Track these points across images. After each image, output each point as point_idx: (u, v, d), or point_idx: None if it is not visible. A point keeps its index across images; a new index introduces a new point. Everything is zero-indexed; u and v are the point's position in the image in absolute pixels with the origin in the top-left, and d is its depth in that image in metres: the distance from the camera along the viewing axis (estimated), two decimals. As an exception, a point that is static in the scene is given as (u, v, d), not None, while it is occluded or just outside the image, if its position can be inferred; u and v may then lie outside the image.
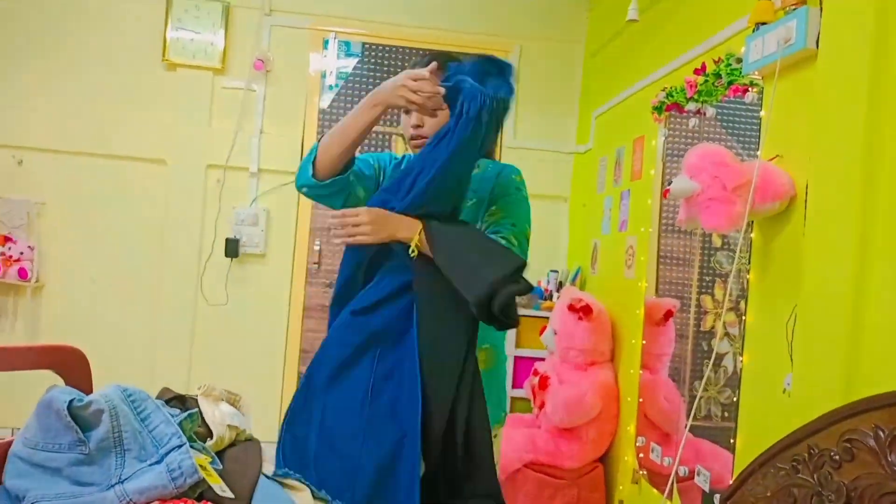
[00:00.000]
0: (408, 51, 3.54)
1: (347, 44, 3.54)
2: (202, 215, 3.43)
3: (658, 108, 2.55)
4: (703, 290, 2.69)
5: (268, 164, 3.44)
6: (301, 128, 3.52)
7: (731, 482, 1.72)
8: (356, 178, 1.68)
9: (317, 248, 3.53)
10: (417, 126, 1.63)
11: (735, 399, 1.92)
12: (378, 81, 3.52)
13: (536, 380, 2.96)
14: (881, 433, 1.18)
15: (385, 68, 3.55)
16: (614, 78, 3.22)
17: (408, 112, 1.66)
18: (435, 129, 1.58)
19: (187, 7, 3.39)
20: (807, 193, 1.61)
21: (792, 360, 1.60)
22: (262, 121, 3.46)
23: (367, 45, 3.55)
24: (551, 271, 3.53)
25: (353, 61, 3.55)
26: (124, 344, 3.41)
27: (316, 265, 3.52)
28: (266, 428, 3.39)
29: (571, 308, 2.90)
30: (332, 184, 1.62)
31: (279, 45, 3.50)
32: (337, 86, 3.54)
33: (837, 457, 1.27)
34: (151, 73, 3.44)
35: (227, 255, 3.39)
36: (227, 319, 3.43)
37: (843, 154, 1.47)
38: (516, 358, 3.30)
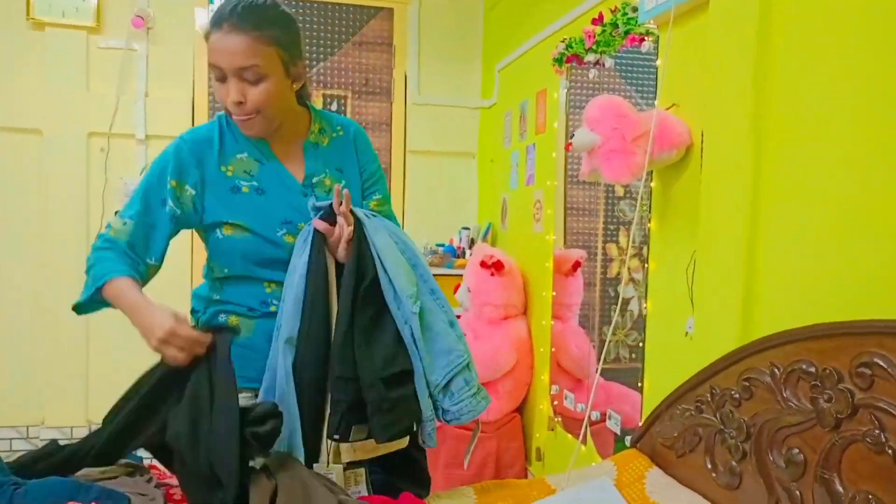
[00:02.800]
0: (301, 2, 3.36)
1: (235, -3, 3.32)
2: (87, 188, 3.18)
3: (558, 60, 2.54)
4: (609, 239, 2.76)
5: (156, 130, 3.21)
6: (191, 88, 3.30)
7: (640, 424, 1.79)
8: (141, 254, 1.39)
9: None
10: (239, 102, 1.33)
11: (641, 343, 1.98)
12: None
13: (452, 337, 2.96)
14: (776, 370, 1.23)
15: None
16: (515, 30, 3.18)
17: (222, 80, 1.34)
18: (264, 102, 1.34)
19: (50, -42, 3.07)
20: (702, 142, 1.65)
21: (693, 304, 1.66)
22: (146, 83, 3.22)
23: (256, -1, 3.34)
24: (463, 228, 3.53)
25: (243, 16, 3.33)
26: (8, 332, 3.16)
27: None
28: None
29: (483, 264, 2.91)
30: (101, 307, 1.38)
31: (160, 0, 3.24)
32: (227, 43, 3.32)
33: (737, 395, 1.33)
34: (16, 34, 3.11)
35: (118, 230, 3.16)
36: (123, 297, 3.23)
37: (735, 101, 1.50)
38: (432, 316, 3.29)
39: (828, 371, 1.12)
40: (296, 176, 1.46)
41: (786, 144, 1.37)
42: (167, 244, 1.42)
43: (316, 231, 1.38)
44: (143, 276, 1.39)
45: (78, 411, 3.17)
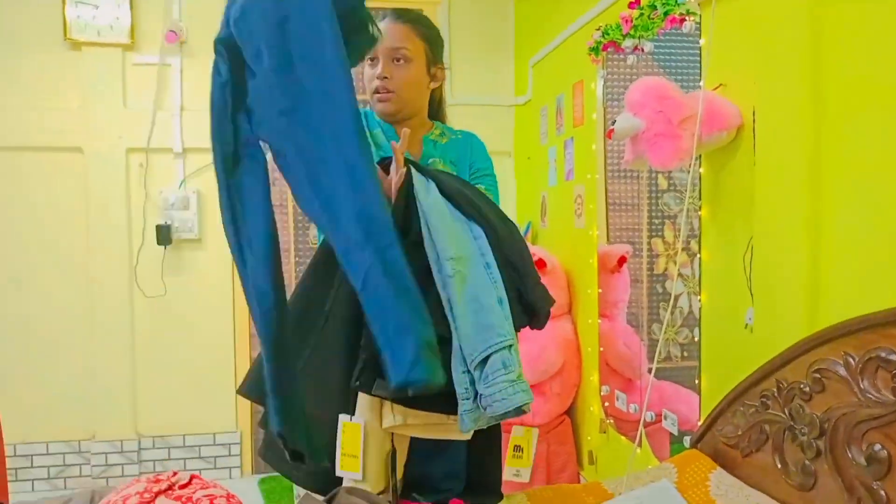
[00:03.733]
0: (331, 10, 3.35)
1: (266, 7, 3.33)
2: (128, 203, 3.21)
3: (595, 49, 2.46)
4: (654, 234, 2.66)
5: (193, 143, 3.23)
6: (225, 101, 3.31)
7: (699, 423, 1.69)
8: None
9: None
10: (384, 77, 1.53)
11: (694, 338, 1.88)
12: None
13: (496, 339, 2.89)
14: (851, 360, 1.14)
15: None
16: (547, 22, 3.11)
17: (372, 59, 1.55)
18: (405, 82, 1.54)
19: (85, -20, 3.12)
20: (754, 121, 1.55)
21: (752, 294, 1.56)
22: (181, 97, 3.24)
23: (286, 8, 3.34)
24: (501, 228, 3.45)
25: (273, 26, 3.34)
26: (59, 349, 3.20)
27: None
28: (225, 419, 3.28)
29: (524, 263, 2.83)
30: None
31: (192, 13, 3.25)
32: (259, 53, 3.33)
33: (808, 388, 1.23)
34: (55, 55, 3.16)
35: (159, 244, 3.18)
36: (167, 311, 3.25)
37: (789, 75, 1.41)
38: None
39: (911, 358, 1.02)
40: (414, 157, 1.58)
41: (847, 117, 1.27)
42: None
43: None
44: None
45: (127, 425, 3.21)
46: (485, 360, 1.23)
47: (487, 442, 1.47)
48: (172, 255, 3.24)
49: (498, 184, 1.72)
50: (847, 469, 1.14)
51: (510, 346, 1.25)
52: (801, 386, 1.25)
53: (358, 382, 1.29)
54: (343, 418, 1.34)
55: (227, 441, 3.31)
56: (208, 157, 3.32)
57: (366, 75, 1.59)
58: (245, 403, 3.34)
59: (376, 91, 1.55)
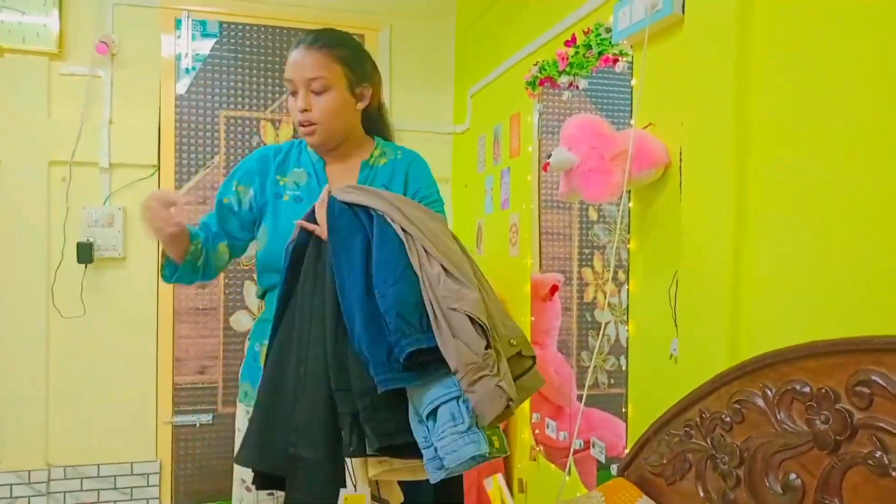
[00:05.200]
0: (270, 29, 3.32)
1: (203, 23, 3.27)
2: (48, 218, 3.06)
3: (531, 84, 2.53)
4: (584, 264, 2.73)
5: (121, 158, 3.11)
6: (157, 116, 3.21)
7: (626, 451, 1.73)
8: (215, 235, 1.65)
9: (185, 246, 3.25)
10: (305, 111, 1.53)
11: (622, 367, 1.93)
12: (240, 63, 3.29)
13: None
14: (769, 392, 1.19)
15: (247, 48, 3.31)
16: (487, 55, 3.18)
17: (294, 93, 1.56)
18: (326, 112, 1.53)
19: (11, -16, 2.99)
20: (681, 160, 1.62)
21: (676, 325, 1.61)
22: (110, 110, 3.13)
23: (224, 25, 3.30)
24: (437, 254, 3.47)
25: (210, 42, 3.28)
26: (-37, 370, 3.00)
27: (185, 265, 3.25)
28: (144, 448, 3.12)
29: (459, 290, 2.85)
30: (182, 270, 1.55)
31: (124, 25, 3.16)
32: (194, 69, 3.26)
33: (728, 419, 1.28)
34: (-27, 60, 3.01)
35: (80, 262, 3.04)
36: (86, 333, 3.09)
37: (715, 115, 1.48)
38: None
39: (823, 391, 1.07)
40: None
41: (770, 156, 1.35)
42: (231, 229, 1.66)
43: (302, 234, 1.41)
44: (211, 243, 1.61)
45: (37, 453, 3.01)
46: (434, 412, 1.20)
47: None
48: (93, 274, 3.10)
49: (444, 206, 1.73)
50: (764, 497, 1.19)
51: (457, 397, 1.20)
52: (723, 416, 1.29)
53: (352, 449, 1.25)
54: (345, 492, 1.27)
55: (145, 471, 3.15)
56: (136, 173, 3.25)
57: (290, 107, 1.58)
58: (166, 431, 3.19)
59: (301, 124, 1.55)
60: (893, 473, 0.95)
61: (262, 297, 1.71)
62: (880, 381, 0.98)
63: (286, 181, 1.63)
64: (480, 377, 1.17)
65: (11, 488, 2.98)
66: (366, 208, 1.34)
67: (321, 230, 1.37)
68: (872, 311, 1.11)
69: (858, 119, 1.15)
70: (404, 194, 1.62)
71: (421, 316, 1.20)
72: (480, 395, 1.17)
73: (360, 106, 1.62)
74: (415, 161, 1.70)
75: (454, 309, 1.19)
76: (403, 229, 1.28)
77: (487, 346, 1.20)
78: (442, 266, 1.25)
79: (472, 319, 1.20)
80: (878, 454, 0.98)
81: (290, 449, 1.28)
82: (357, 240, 1.30)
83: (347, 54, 1.57)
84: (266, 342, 1.46)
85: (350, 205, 1.35)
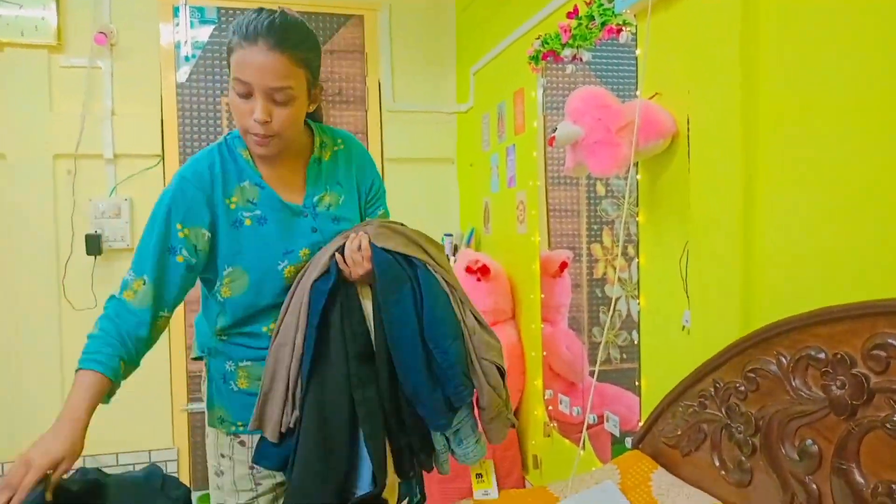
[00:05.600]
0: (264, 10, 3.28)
1: (201, 10, 3.25)
2: (55, 212, 3.06)
3: (534, 58, 2.49)
4: (593, 239, 2.71)
5: (125, 149, 3.11)
6: (158, 105, 3.21)
7: (640, 424, 1.73)
8: (137, 323, 1.27)
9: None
10: (265, 122, 1.24)
11: (633, 341, 1.93)
12: (240, 49, 3.26)
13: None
14: (783, 359, 1.18)
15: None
16: (488, 31, 3.14)
17: (246, 96, 1.24)
18: (287, 123, 1.27)
19: (7, -23, 2.97)
20: (688, 129, 1.60)
21: (688, 297, 1.60)
22: (111, 101, 3.12)
23: (222, 10, 3.27)
24: (446, 235, 3.46)
25: (209, 29, 3.26)
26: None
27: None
28: (161, 436, 3.15)
29: (469, 270, 2.84)
30: (118, 387, 1.29)
31: (122, 15, 3.14)
32: (194, 56, 3.24)
33: (742, 388, 1.27)
34: (-27, 55, 3.00)
35: (89, 254, 3.05)
36: (98, 323, 3.11)
37: (722, 84, 1.46)
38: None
39: (839, 356, 1.06)
40: (294, 198, 1.38)
41: (777, 124, 1.33)
42: (183, 294, 1.32)
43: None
44: (144, 339, 1.28)
45: None
46: (458, 430, 1.39)
47: None
48: (103, 265, 3.11)
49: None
50: (781, 465, 1.18)
51: (470, 412, 1.40)
52: (737, 385, 1.29)
53: (412, 474, 1.42)
54: None
55: (163, 458, 3.19)
56: (141, 163, 3.20)
57: (236, 107, 1.27)
58: (182, 418, 3.23)
59: (254, 134, 1.26)
60: (912, 436, 0.95)
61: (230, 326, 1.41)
62: (897, 345, 0.98)
63: (237, 201, 1.33)
64: (499, 413, 1.38)
65: None
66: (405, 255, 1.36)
67: (351, 271, 1.32)
68: (884, 274, 1.10)
69: (867, 85, 1.13)
70: (358, 189, 1.48)
71: (470, 367, 1.35)
72: (497, 428, 1.39)
73: (312, 107, 1.37)
74: (357, 149, 1.51)
75: (486, 359, 1.36)
76: (445, 280, 1.37)
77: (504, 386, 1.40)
78: (473, 316, 1.39)
79: (498, 367, 1.38)
80: (895, 418, 0.97)
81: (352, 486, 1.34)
82: (406, 290, 1.32)
83: (311, 55, 1.30)
84: (247, 362, 1.39)
85: (390, 252, 1.35)
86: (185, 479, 3.24)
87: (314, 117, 1.47)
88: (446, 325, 1.32)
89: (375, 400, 1.31)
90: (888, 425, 0.98)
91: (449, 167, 3.66)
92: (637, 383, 1.88)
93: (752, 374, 1.25)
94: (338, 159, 1.46)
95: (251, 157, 1.36)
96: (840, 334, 1.07)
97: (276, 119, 1.25)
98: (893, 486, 0.97)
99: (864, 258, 1.14)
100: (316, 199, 1.40)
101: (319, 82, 1.36)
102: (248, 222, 1.33)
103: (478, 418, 1.41)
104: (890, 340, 0.98)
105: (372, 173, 1.52)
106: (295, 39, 1.25)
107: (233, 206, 1.33)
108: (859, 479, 1.03)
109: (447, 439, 1.41)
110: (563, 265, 2.69)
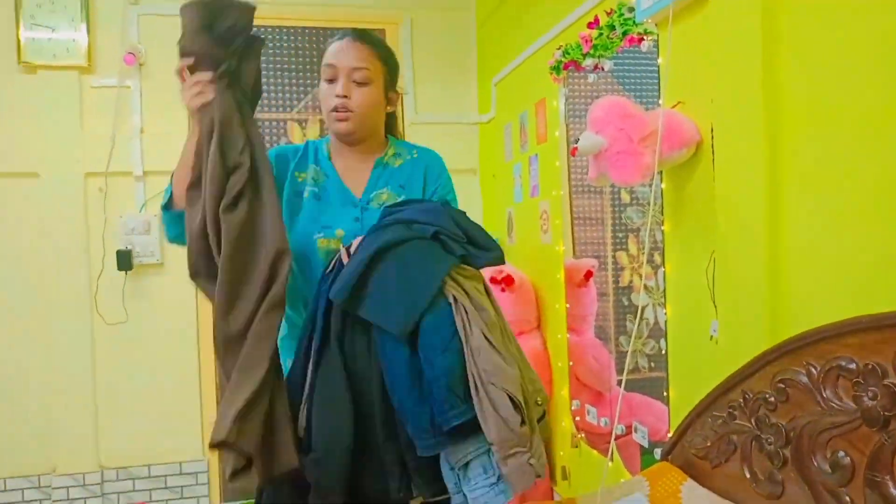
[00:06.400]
0: (292, 30, 3.34)
1: (226, 29, 3.30)
2: (86, 228, 3.14)
3: (556, 68, 2.50)
4: (618, 247, 2.70)
5: (154, 166, 3.18)
6: (186, 122, 3.26)
7: (669, 435, 1.71)
8: None
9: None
10: (344, 97, 1.49)
11: (661, 350, 1.91)
12: (264, 65, 3.30)
13: (466, 357, 2.89)
14: (813, 370, 1.16)
15: (270, 49, 3.34)
16: (509, 42, 3.15)
17: (331, 80, 1.51)
18: (364, 104, 1.51)
19: (40, 2, 3.06)
20: (712, 137, 1.59)
21: (716, 306, 1.59)
22: (140, 119, 3.19)
23: (248, 29, 3.32)
24: (468, 245, 3.46)
25: (235, 47, 3.31)
26: (16, 380, 3.10)
27: (221, 268, 3.30)
28: (191, 448, 3.20)
29: (493, 280, 2.84)
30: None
31: (150, 35, 3.22)
32: (220, 74, 3.30)
33: (772, 398, 1.26)
34: (8, 78, 3.09)
35: (119, 269, 3.12)
36: (129, 338, 3.17)
37: (745, 92, 1.45)
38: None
39: (870, 367, 1.05)
40: (355, 191, 1.57)
41: (802, 130, 1.31)
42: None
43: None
44: None
45: (90, 457, 3.11)
46: (466, 465, 1.26)
47: None
48: (133, 280, 3.17)
49: (457, 201, 1.67)
50: (813, 476, 1.16)
51: (488, 450, 1.26)
52: (767, 396, 1.27)
53: (401, 494, 1.31)
54: None
55: (193, 470, 3.23)
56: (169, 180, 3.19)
57: (323, 93, 1.54)
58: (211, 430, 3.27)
59: (335, 109, 1.51)
60: (948, 448, 0.93)
61: None
62: (930, 355, 0.96)
63: (305, 177, 1.57)
64: (514, 453, 1.22)
65: (68, 490, 3.09)
66: None
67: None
68: (919, 282, 1.08)
69: (891, 89, 1.11)
70: (422, 194, 1.60)
71: (465, 387, 1.23)
72: (512, 469, 1.23)
73: (389, 109, 1.63)
74: (432, 160, 1.66)
75: (494, 384, 1.22)
76: (455, 294, 1.28)
77: (522, 422, 1.24)
78: (483, 335, 1.26)
79: (510, 396, 1.23)
80: (930, 429, 0.95)
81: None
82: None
83: (389, 58, 1.59)
84: (291, 358, 1.41)
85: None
86: (215, 490, 3.28)
87: (393, 132, 1.69)
88: (437, 336, 1.24)
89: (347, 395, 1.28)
90: (923, 437, 0.96)
91: (472, 178, 3.67)
92: (665, 393, 1.87)
93: (782, 385, 1.23)
94: (409, 167, 1.62)
95: (329, 151, 1.60)
96: (871, 344, 1.05)
97: (354, 97, 1.50)
98: (930, 499, 0.95)
99: (893, 266, 1.12)
100: (373, 194, 1.56)
101: (396, 89, 1.63)
102: (306, 194, 1.55)
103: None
104: (923, 350, 0.97)
105: (435, 182, 1.64)
106: (375, 40, 1.56)
107: (300, 180, 1.56)
108: (893, 491, 1.01)
109: (458, 477, 1.28)
110: (588, 274, 2.68)
